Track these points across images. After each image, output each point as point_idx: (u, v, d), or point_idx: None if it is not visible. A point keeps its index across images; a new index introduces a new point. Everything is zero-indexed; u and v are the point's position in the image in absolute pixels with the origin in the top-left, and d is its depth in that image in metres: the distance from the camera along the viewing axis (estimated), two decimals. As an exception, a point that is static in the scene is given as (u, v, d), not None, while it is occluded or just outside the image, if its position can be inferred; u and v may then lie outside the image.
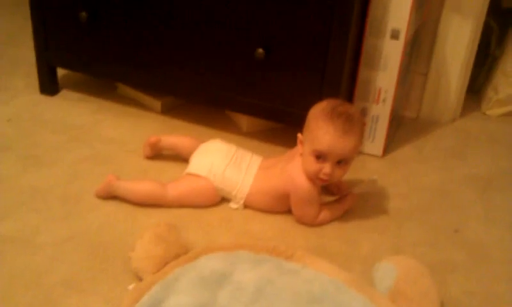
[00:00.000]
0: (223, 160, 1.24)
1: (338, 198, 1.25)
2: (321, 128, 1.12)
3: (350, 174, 1.23)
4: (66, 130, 1.49)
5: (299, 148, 1.18)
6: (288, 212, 1.22)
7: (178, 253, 1.02)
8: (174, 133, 1.49)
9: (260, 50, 1.32)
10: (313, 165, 1.14)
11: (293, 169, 1.18)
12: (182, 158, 1.34)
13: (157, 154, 1.38)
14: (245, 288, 0.95)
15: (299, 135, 1.18)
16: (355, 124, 1.13)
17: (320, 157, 1.13)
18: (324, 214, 1.21)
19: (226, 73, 1.41)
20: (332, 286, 0.97)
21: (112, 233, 1.14)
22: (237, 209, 1.23)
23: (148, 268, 0.99)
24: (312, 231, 1.19)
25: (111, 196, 1.23)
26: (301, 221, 1.20)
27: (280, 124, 1.51)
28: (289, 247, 1.06)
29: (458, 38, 1.58)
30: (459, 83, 1.64)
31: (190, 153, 1.31)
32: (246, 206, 1.23)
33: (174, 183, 1.24)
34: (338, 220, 1.22)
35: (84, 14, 1.48)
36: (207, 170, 1.23)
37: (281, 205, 1.22)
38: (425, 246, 1.16)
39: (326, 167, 1.13)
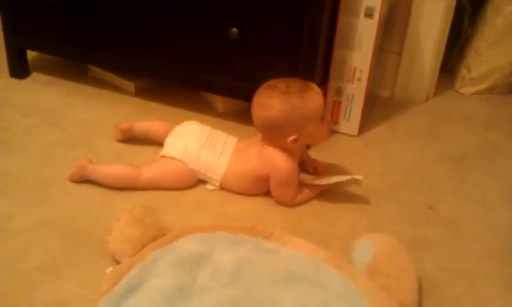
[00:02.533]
0: (197, 142, 1.24)
1: (318, 178, 1.26)
2: (305, 101, 1.14)
3: (327, 154, 1.23)
4: (38, 114, 1.46)
5: (294, 145, 1.17)
6: (266, 193, 1.22)
7: (156, 235, 1.01)
8: (148, 116, 1.48)
9: (234, 30, 1.30)
10: (322, 129, 1.20)
11: (272, 151, 1.18)
12: (156, 142, 1.33)
13: (129, 138, 1.37)
14: (224, 268, 0.95)
15: (289, 139, 1.16)
16: (297, 81, 1.18)
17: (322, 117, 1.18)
18: (302, 194, 1.21)
19: (200, 54, 1.39)
20: (310, 265, 0.98)
21: (87, 216, 1.12)
22: (214, 191, 1.23)
23: (125, 251, 0.98)
24: (290, 211, 1.19)
25: (84, 180, 1.21)
26: (280, 202, 1.20)
27: (256, 105, 1.50)
28: (267, 227, 1.06)
29: (431, 17, 1.59)
30: (432, 62, 1.65)
31: (164, 137, 1.29)
32: (222, 187, 1.23)
33: (148, 165, 1.23)
34: (316, 199, 1.23)
35: (53, -6, 1.45)
36: (181, 152, 1.22)
37: (258, 187, 1.22)
38: (401, 224, 1.18)
39: (326, 118, 1.20)
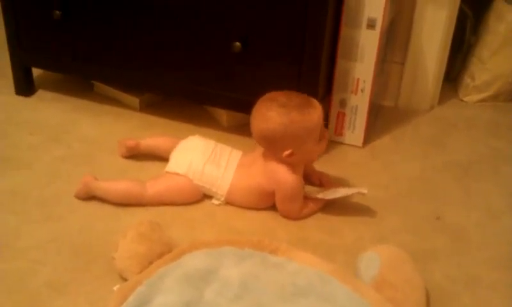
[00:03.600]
0: (201, 157, 1.24)
1: (323, 191, 1.26)
2: (304, 117, 1.14)
3: (332, 166, 1.24)
4: (44, 131, 1.47)
5: (290, 160, 1.17)
6: (271, 206, 1.22)
7: (162, 251, 1.01)
8: (153, 131, 1.48)
9: (237, 44, 1.31)
10: (319, 146, 1.20)
11: (276, 165, 1.18)
12: (161, 158, 1.33)
13: (134, 154, 1.37)
14: (231, 283, 0.95)
15: (285, 153, 1.16)
16: (298, 96, 1.18)
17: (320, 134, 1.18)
18: (308, 208, 1.21)
19: (204, 68, 1.40)
20: (317, 278, 0.97)
21: (94, 233, 1.13)
22: (219, 205, 1.23)
23: (132, 268, 0.99)
24: (295, 224, 1.19)
25: (90, 197, 1.22)
26: (286, 216, 1.20)
27: (260, 117, 1.51)
28: (273, 241, 1.06)
29: (433, 26, 1.59)
30: (436, 71, 1.66)
31: (169, 152, 1.29)
32: (227, 202, 1.23)
33: (153, 181, 1.23)
34: (320, 211, 1.23)
35: (57, 12, 1.46)
36: (185, 168, 1.22)
37: (263, 202, 1.22)
38: (407, 234, 1.18)
39: (324, 135, 1.21)
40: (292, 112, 1.13)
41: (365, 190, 1.20)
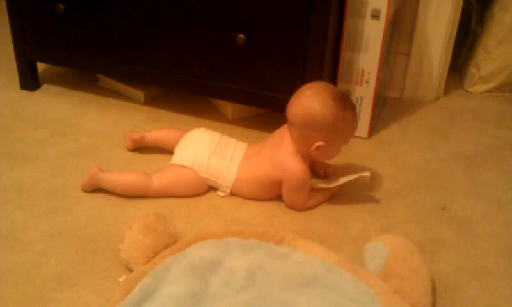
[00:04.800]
0: (207, 150, 1.24)
1: (326, 181, 1.26)
2: (354, 120, 1.17)
3: (338, 157, 1.23)
4: (49, 125, 1.48)
5: (314, 152, 1.17)
6: (277, 197, 1.22)
7: (168, 243, 1.02)
8: (158, 124, 1.49)
9: (241, 36, 1.31)
10: (339, 149, 1.20)
11: (284, 156, 1.18)
12: (167, 150, 1.33)
13: (140, 147, 1.37)
14: (236, 274, 0.96)
15: (317, 144, 1.15)
16: (351, 99, 1.21)
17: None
18: (314, 199, 1.21)
19: (209, 61, 1.40)
20: (323, 268, 0.98)
21: (100, 225, 1.13)
22: (224, 197, 1.23)
23: (138, 259, 0.99)
24: (301, 214, 1.19)
25: (96, 189, 1.22)
26: (292, 206, 1.20)
27: (265, 109, 1.51)
28: (279, 231, 1.06)
29: (439, 16, 1.58)
30: (441, 61, 1.65)
31: (174, 145, 1.30)
32: (233, 194, 1.23)
33: (159, 173, 1.23)
34: (327, 202, 1.23)
35: (61, 6, 1.46)
36: (191, 160, 1.22)
37: (269, 192, 1.22)
38: (413, 224, 1.17)
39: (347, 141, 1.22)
40: (348, 110, 1.14)
41: (367, 173, 1.20)
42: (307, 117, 1.14)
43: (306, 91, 1.16)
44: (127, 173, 1.25)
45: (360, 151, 1.43)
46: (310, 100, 1.14)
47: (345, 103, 1.15)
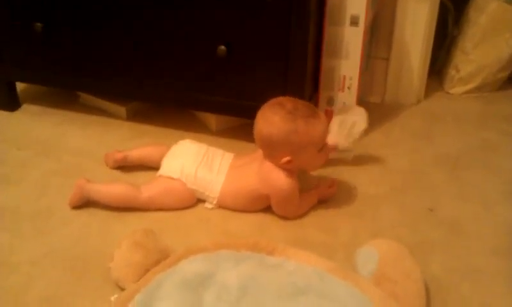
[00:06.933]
0: (193, 161, 1.23)
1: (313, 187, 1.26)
2: (309, 128, 1.13)
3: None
4: (32, 145, 1.45)
5: (287, 166, 1.16)
6: (265, 208, 1.22)
7: (159, 259, 1.01)
8: (142, 139, 1.47)
9: (222, 47, 1.31)
10: (319, 158, 1.19)
11: (269, 170, 1.17)
12: (152, 167, 1.32)
13: (124, 166, 1.36)
14: (229, 286, 0.95)
15: (284, 160, 1.15)
16: (305, 106, 1.17)
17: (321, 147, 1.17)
18: (305, 202, 1.21)
19: (190, 73, 1.39)
20: (316, 276, 0.97)
21: (88, 245, 1.12)
22: (212, 209, 1.22)
23: (128, 277, 0.98)
24: (291, 223, 1.19)
25: (84, 202, 1.21)
26: (284, 217, 1.20)
27: (249, 120, 1.50)
28: (270, 241, 1.06)
29: (416, 19, 1.60)
30: (420, 64, 1.66)
31: (159, 160, 1.28)
32: (220, 206, 1.22)
33: (148, 185, 1.22)
34: (316, 209, 1.23)
35: (38, 24, 1.44)
36: (178, 172, 1.21)
37: (256, 205, 1.22)
38: (403, 227, 1.18)
39: (326, 148, 1.20)
40: (298, 120, 1.12)
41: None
42: (263, 139, 1.16)
43: (258, 115, 1.17)
44: (115, 184, 1.24)
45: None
46: (260, 123, 1.16)
47: (295, 115, 1.12)
